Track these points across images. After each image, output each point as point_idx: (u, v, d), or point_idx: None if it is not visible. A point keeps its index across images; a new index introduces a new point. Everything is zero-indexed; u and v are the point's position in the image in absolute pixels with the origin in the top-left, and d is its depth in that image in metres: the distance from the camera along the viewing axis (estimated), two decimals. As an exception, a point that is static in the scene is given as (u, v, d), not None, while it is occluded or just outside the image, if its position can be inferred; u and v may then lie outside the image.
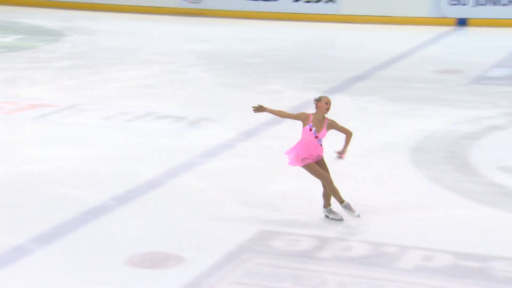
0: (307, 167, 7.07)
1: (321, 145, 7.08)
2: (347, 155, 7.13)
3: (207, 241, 6.96)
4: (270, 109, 7.10)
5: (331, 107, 7.00)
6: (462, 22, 18.60)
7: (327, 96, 7.07)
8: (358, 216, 7.08)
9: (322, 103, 6.97)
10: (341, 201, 7.09)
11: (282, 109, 7.25)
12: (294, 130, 10.62)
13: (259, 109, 7.09)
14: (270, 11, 20.44)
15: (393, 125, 10.73)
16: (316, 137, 6.99)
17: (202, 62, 15.42)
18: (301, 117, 7.04)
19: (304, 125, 7.00)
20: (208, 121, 11.04)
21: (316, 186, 8.42)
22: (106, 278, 6.25)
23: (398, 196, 8.10)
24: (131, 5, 21.66)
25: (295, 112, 7.16)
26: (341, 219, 7.18)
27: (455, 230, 7.14)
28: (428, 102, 11.84)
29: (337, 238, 6.97)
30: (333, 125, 7.06)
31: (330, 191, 7.08)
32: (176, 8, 21.43)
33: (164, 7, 21.47)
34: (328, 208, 7.24)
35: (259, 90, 13.01)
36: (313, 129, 6.97)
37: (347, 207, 7.08)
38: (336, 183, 8.31)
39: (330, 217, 7.22)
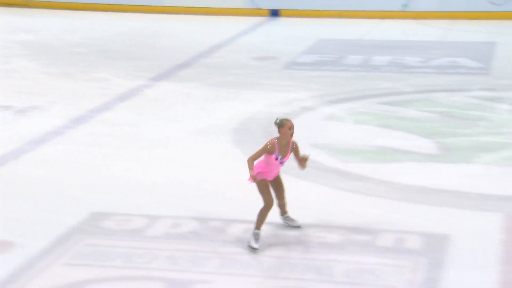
0: (259, 183, 6.34)
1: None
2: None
3: (38, 226, 6.74)
4: (250, 168, 6.29)
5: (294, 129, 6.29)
6: (274, 13, 19.06)
7: (289, 119, 6.31)
8: (254, 250, 6.25)
9: (286, 129, 6.24)
10: (257, 227, 6.32)
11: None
12: (123, 117, 10.51)
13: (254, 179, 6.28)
14: (94, 2, 19.95)
15: (215, 109, 10.86)
16: (281, 163, 6.35)
17: (28, 52, 14.82)
18: (269, 149, 6.27)
19: (271, 153, 6.29)
20: (36, 110, 10.65)
21: (145, 169, 8.37)
22: None
23: (222, 174, 8.22)
24: (-48, -4, 20.39)
25: (260, 148, 6.31)
26: (298, 226, 6.66)
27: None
28: (247, 87, 12.07)
29: (166, 216, 6.98)
30: (295, 149, 6.40)
31: (260, 213, 6.31)
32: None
33: (-13, -2, 20.40)
34: (285, 215, 6.71)
35: (86, 78, 12.70)
36: (279, 157, 6.29)
37: (255, 236, 6.30)
38: (169, 165, 8.33)
39: (288, 224, 6.68)
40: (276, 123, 6.32)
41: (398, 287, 5.66)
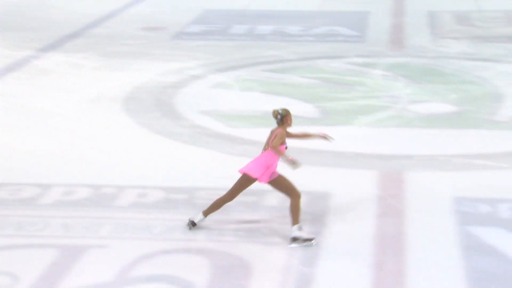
0: (280, 179, 5.88)
1: None
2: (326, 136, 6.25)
3: None
4: (284, 153, 5.82)
5: None
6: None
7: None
8: (312, 241, 5.77)
9: (290, 117, 5.90)
10: (296, 221, 5.80)
11: None
12: (11, 88, 10.08)
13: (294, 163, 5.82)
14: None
15: (106, 79, 10.62)
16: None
17: None
18: (283, 139, 5.87)
19: (282, 144, 5.87)
20: None
21: (36, 138, 8.10)
22: None
23: (113, 142, 8.08)
24: None
25: (276, 137, 5.82)
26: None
27: (165, 168, 7.30)
28: (137, 57, 11.86)
29: (59, 184, 6.79)
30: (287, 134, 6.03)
31: (293, 208, 5.81)
32: None
33: None
34: (204, 218, 6.01)
35: (-28, 50, 12.10)
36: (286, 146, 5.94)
37: (300, 229, 5.78)
38: (60, 134, 8.08)
39: (196, 220, 5.97)
40: (278, 114, 5.87)
41: (283, 243, 5.76)
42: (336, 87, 10.21)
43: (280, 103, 9.45)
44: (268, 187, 6.19)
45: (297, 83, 10.46)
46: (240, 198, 6.56)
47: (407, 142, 8.11)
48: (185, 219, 6.13)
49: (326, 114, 9.11)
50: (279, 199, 6.54)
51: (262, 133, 8.30)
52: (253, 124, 8.69)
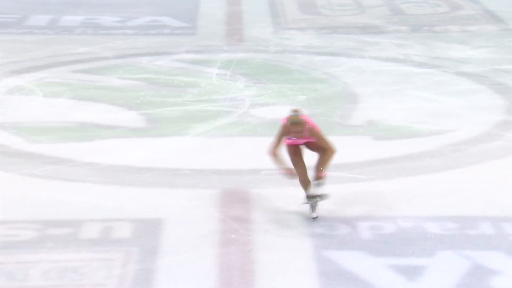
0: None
1: None
2: None
3: None
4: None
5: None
6: None
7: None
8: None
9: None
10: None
11: None
12: None
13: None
14: None
15: None
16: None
17: None
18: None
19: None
20: None
21: None
22: None
23: None
24: None
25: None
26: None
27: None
28: None
29: None
30: None
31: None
32: None
33: None
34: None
35: None
36: None
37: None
38: None
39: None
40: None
41: (107, 284, 5.66)
42: (164, 90, 10.25)
43: (96, 111, 9.38)
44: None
45: (116, 86, 10.40)
46: (49, 230, 6.39)
47: (251, 153, 8.25)
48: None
49: (154, 122, 9.11)
50: (100, 231, 6.42)
51: (75, 149, 8.19)
52: (63, 138, 8.53)
